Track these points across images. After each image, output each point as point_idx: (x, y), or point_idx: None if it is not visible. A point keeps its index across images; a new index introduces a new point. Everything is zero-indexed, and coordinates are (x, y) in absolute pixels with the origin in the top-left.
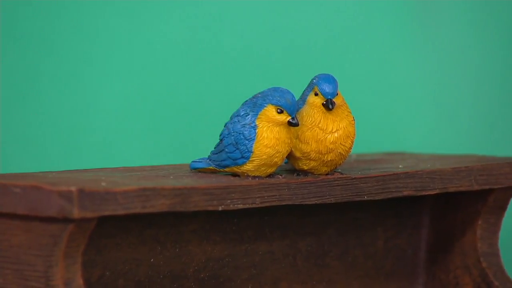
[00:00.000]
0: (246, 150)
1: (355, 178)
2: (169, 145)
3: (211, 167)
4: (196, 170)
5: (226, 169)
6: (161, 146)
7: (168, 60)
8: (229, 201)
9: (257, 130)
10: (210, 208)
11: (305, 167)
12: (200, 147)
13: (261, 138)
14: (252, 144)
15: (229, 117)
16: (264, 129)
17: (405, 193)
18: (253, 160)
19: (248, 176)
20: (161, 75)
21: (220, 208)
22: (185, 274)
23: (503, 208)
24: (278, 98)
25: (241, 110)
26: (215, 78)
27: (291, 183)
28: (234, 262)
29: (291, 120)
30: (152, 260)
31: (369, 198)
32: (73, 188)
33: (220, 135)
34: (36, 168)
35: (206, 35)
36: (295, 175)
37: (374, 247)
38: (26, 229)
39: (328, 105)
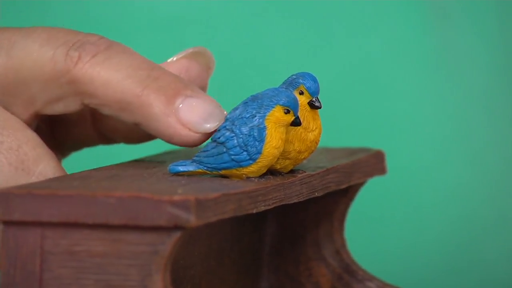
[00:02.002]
0: (256, 152)
1: (313, 175)
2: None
3: (199, 170)
4: (177, 174)
5: (221, 172)
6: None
7: None
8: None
9: (266, 132)
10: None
11: (278, 166)
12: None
13: (270, 139)
14: (262, 145)
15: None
16: (273, 130)
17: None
18: (259, 162)
19: (248, 178)
20: None
21: (254, 211)
22: None
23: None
24: (286, 99)
25: (244, 113)
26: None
27: (286, 183)
28: None
29: (296, 120)
30: None
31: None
32: (191, 197)
33: (216, 138)
34: None
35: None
36: (268, 175)
37: None
38: (112, 239)
39: (316, 103)
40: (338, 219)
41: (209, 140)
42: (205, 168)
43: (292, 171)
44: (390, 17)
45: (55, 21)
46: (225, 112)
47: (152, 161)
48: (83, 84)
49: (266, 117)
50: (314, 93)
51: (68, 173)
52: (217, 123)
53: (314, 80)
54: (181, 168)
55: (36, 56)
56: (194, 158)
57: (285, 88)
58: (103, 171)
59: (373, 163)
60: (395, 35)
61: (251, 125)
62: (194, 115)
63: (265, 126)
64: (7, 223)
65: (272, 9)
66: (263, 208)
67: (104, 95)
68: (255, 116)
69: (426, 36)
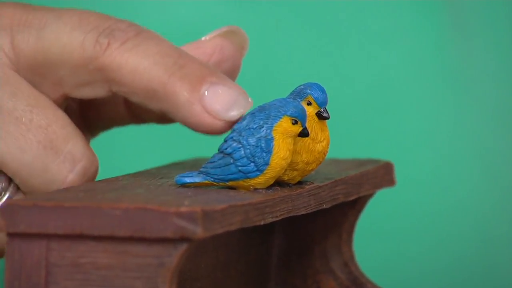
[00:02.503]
0: (263, 163)
1: (321, 186)
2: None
3: (206, 181)
4: (183, 185)
5: (228, 183)
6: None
7: None
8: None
9: (274, 143)
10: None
11: (286, 178)
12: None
13: (278, 150)
14: (270, 156)
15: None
16: (280, 141)
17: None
18: (266, 173)
19: (256, 189)
20: None
21: (262, 222)
22: None
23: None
24: (294, 109)
25: (252, 123)
26: None
27: (294, 194)
28: None
29: (304, 131)
30: None
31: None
32: (197, 209)
33: (223, 149)
34: None
35: None
36: (275, 186)
37: None
38: (118, 251)
39: (324, 114)
40: (346, 231)
41: (216, 151)
42: (211, 179)
43: (299, 183)
44: (406, 29)
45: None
46: (250, 100)
47: (159, 173)
48: (111, 71)
49: (274, 128)
50: (322, 103)
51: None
52: (242, 110)
53: (322, 90)
54: (187, 180)
55: (66, 40)
56: (201, 169)
57: (293, 99)
58: (108, 182)
59: (382, 174)
60: (410, 48)
61: (258, 136)
62: (219, 102)
63: (272, 137)
64: (12, 235)
65: (285, 19)
66: (270, 220)
67: (131, 83)
68: (263, 127)
69: (442, 49)
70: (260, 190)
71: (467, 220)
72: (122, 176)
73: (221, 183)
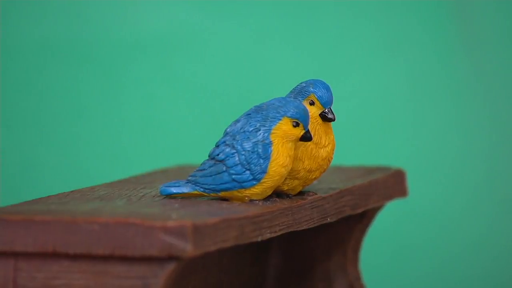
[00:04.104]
0: (260, 171)
1: (325, 197)
2: None
3: (195, 192)
4: (169, 195)
5: (221, 194)
6: None
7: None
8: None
9: (272, 148)
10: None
11: (285, 187)
12: None
13: (277, 157)
14: (268, 163)
15: (222, 134)
16: (280, 146)
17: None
18: (263, 182)
19: (252, 200)
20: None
21: (259, 239)
22: None
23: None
24: (295, 110)
25: (247, 126)
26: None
27: (295, 206)
28: None
29: (306, 134)
30: None
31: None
32: (187, 223)
33: (215, 155)
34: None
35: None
36: (274, 197)
37: None
38: (96, 271)
39: (329, 115)
40: (352, 248)
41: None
42: (201, 189)
43: (301, 193)
44: (413, 39)
45: (55, 21)
46: None
47: (139, 181)
48: None
49: (272, 131)
50: (326, 103)
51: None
52: None
53: (327, 88)
54: (174, 190)
55: None
56: (189, 177)
57: (293, 98)
58: (83, 193)
59: (392, 184)
60: (417, 57)
61: (254, 140)
62: None
63: (270, 142)
64: None
65: (284, 24)
66: (268, 236)
67: None
68: (259, 130)
69: (449, 59)
70: (257, 201)
71: (485, 242)
72: (98, 185)
73: (212, 194)
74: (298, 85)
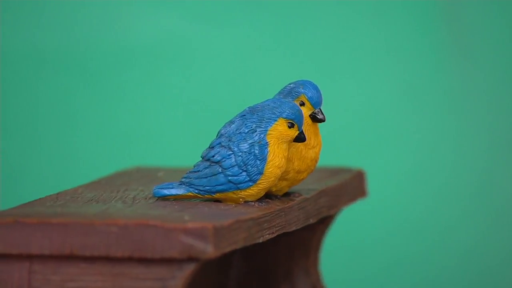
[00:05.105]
0: (257, 172)
1: (308, 198)
2: None
3: (189, 193)
4: (162, 197)
5: (216, 195)
6: None
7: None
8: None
9: (268, 149)
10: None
11: (274, 189)
12: None
13: (273, 158)
14: (264, 165)
15: (216, 135)
16: (275, 147)
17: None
18: (259, 184)
19: (246, 202)
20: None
21: (261, 240)
22: None
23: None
24: (290, 111)
25: (243, 127)
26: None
27: (286, 208)
28: None
29: (301, 135)
30: None
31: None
32: (208, 225)
33: (210, 157)
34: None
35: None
36: (264, 199)
37: None
38: (114, 273)
39: (319, 116)
40: (314, 249)
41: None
42: (196, 191)
43: (286, 194)
44: (405, 49)
45: (54, 21)
46: None
47: (114, 183)
48: None
49: (268, 132)
50: (316, 104)
51: None
52: None
53: (317, 89)
54: (166, 192)
55: None
56: (182, 179)
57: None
58: (71, 194)
59: (356, 184)
60: (409, 68)
61: (251, 141)
62: None
63: (267, 142)
64: None
65: (273, 34)
66: (268, 237)
67: None
68: (255, 131)
69: (442, 70)
70: (252, 203)
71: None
72: (80, 187)
73: (206, 195)
74: (286, 86)
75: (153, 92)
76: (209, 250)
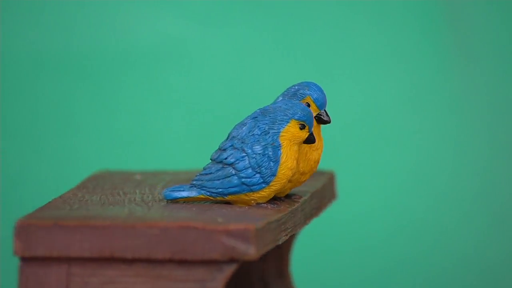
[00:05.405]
0: (270, 174)
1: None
2: None
3: (201, 196)
4: (174, 200)
5: (228, 197)
6: None
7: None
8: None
9: (281, 150)
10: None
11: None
12: None
13: (286, 159)
14: (277, 166)
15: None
16: (288, 148)
17: None
18: (272, 186)
19: (258, 204)
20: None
21: (280, 242)
22: None
23: None
24: (302, 112)
25: (256, 129)
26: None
27: (294, 209)
28: None
29: (310, 137)
30: None
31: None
32: (251, 227)
33: (222, 159)
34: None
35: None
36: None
37: None
38: (154, 275)
39: (324, 117)
40: (286, 250)
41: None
42: (208, 193)
43: (288, 196)
44: (407, 52)
45: (54, 23)
46: None
47: (105, 187)
48: None
49: (281, 134)
50: (322, 105)
51: None
52: None
53: (321, 90)
54: (177, 194)
55: None
56: (193, 182)
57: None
58: (75, 199)
59: (330, 186)
60: (411, 71)
61: (264, 143)
62: None
63: (280, 144)
64: (27, 260)
65: (272, 35)
66: (284, 239)
67: None
68: (268, 133)
69: (445, 73)
70: (264, 204)
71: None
72: (73, 190)
73: (218, 198)
74: (290, 87)
75: (152, 94)
76: (251, 252)
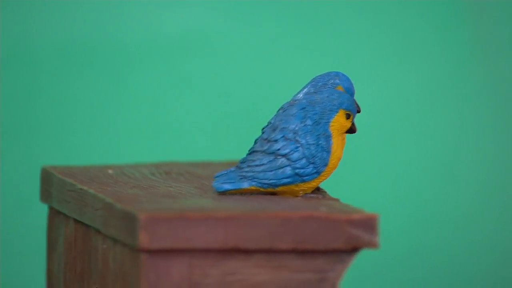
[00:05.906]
0: (323, 164)
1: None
2: None
3: (252, 187)
4: (225, 192)
5: (278, 189)
6: None
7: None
8: None
9: (332, 140)
10: None
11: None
12: None
13: (336, 149)
14: (329, 156)
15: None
16: (336, 138)
17: None
18: (322, 176)
19: (306, 195)
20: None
21: None
22: None
23: None
24: (348, 102)
25: (306, 120)
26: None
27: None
28: None
29: (352, 127)
30: None
31: None
32: (374, 216)
33: (275, 150)
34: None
35: None
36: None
37: None
38: (275, 266)
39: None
40: None
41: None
42: (259, 185)
43: (318, 188)
44: (429, 45)
45: (53, 22)
46: None
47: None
48: None
49: (331, 124)
50: (352, 94)
51: None
52: None
53: (350, 80)
54: (228, 186)
55: None
56: (243, 173)
57: (316, 91)
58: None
59: None
60: (432, 63)
61: (317, 133)
62: None
63: (330, 134)
64: (150, 252)
65: (287, 31)
66: None
67: None
68: (320, 123)
69: (466, 66)
70: (313, 195)
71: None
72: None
73: (269, 189)
74: (317, 78)
75: (173, 85)
76: (376, 241)
